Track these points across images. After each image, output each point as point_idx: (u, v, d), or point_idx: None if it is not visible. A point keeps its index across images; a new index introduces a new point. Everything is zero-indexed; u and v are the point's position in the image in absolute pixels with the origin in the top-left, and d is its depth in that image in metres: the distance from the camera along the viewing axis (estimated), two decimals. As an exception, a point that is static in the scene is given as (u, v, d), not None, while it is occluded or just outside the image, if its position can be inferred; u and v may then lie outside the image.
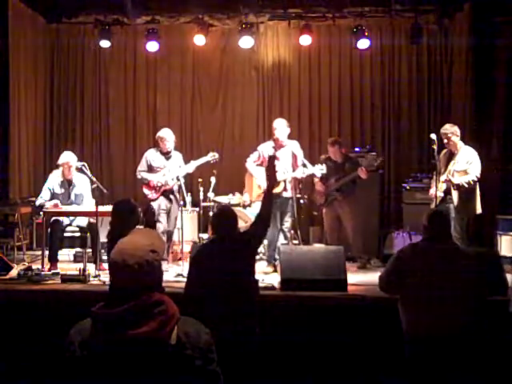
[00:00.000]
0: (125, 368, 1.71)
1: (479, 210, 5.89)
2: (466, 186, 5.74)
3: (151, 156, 6.48)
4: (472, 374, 3.16)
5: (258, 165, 6.31)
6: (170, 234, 6.44)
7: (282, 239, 6.17)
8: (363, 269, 6.39)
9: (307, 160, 6.32)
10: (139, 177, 6.52)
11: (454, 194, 5.81)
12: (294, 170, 6.17)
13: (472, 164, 5.78)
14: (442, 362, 3.13)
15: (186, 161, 6.61)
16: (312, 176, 6.37)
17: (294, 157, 6.14)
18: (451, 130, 5.86)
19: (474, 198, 5.85)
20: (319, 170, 6.14)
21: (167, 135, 6.41)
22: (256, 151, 6.35)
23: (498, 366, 3.82)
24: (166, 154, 6.46)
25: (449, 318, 3.13)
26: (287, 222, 6.17)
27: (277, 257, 6.03)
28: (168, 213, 6.40)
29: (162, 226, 6.30)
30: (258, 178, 6.27)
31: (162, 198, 6.38)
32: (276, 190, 6.05)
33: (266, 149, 6.25)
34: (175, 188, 6.43)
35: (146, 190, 6.45)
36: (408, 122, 8.49)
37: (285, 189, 6.10)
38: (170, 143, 6.40)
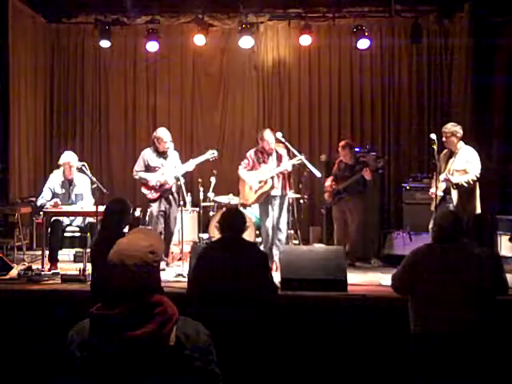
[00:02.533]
0: (124, 369, 1.71)
1: (479, 210, 5.89)
2: (466, 185, 5.73)
3: (148, 155, 6.42)
4: (478, 372, 3.18)
5: (248, 170, 6.42)
6: (170, 235, 6.41)
7: (279, 236, 6.22)
8: (352, 266, 6.44)
9: (307, 160, 6.34)
10: (137, 177, 6.46)
11: (454, 194, 5.81)
12: None
13: (471, 163, 5.78)
14: (451, 361, 3.16)
15: (185, 160, 6.61)
16: (313, 175, 6.42)
17: (279, 156, 6.30)
18: (451, 130, 5.85)
19: (474, 198, 5.85)
20: (296, 161, 6.27)
21: (164, 135, 6.33)
22: (246, 159, 6.46)
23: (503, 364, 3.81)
24: (163, 154, 6.40)
25: (460, 317, 3.17)
26: (283, 220, 6.25)
27: (275, 254, 6.07)
28: (167, 214, 6.38)
29: (158, 227, 6.28)
30: (249, 182, 6.36)
31: (161, 199, 6.35)
32: (264, 189, 6.25)
33: (253, 154, 6.42)
34: (173, 189, 6.40)
35: (144, 190, 6.41)
36: (408, 121, 8.50)
37: (272, 187, 6.23)
38: (167, 143, 6.32)
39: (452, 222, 3.48)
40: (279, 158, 6.30)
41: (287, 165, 6.25)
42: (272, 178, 6.22)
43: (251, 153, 6.45)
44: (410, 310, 3.42)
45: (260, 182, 6.25)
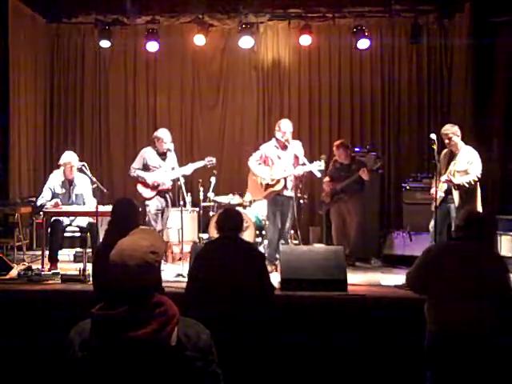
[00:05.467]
0: (125, 369, 1.71)
1: (480, 210, 5.89)
2: (467, 185, 5.74)
3: (148, 154, 6.47)
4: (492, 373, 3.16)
5: (259, 164, 6.36)
6: (162, 234, 6.46)
7: (285, 239, 6.23)
8: (352, 266, 6.44)
9: (307, 160, 6.34)
10: (135, 174, 6.49)
11: (455, 194, 5.82)
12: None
13: (473, 164, 5.79)
14: (468, 361, 3.13)
15: (185, 161, 6.64)
16: (313, 175, 6.39)
17: (296, 158, 6.21)
18: (452, 131, 5.86)
19: (475, 198, 5.85)
20: (317, 166, 6.15)
21: (165, 136, 6.39)
22: (258, 151, 6.40)
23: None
24: (162, 155, 6.47)
25: (476, 316, 3.15)
26: (287, 224, 6.21)
27: (277, 256, 6.06)
28: (162, 213, 6.45)
29: (157, 225, 6.32)
30: (260, 176, 6.31)
31: (157, 197, 6.41)
32: (276, 188, 6.16)
33: (268, 148, 6.31)
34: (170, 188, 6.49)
35: (141, 188, 6.45)
36: (408, 122, 8.50)
37: (285, 187, 6.16)
38: (167, 144, 6.37)
39: (466, 220, 3.44)
40: (296, 159, 6.18)
41: (299, 171, 6.12)
42: (285, 178, 6.16)
43: (265, 148, 6.33)
44: (425, 308, 3.39)
45: (272, 180, 6.20)
